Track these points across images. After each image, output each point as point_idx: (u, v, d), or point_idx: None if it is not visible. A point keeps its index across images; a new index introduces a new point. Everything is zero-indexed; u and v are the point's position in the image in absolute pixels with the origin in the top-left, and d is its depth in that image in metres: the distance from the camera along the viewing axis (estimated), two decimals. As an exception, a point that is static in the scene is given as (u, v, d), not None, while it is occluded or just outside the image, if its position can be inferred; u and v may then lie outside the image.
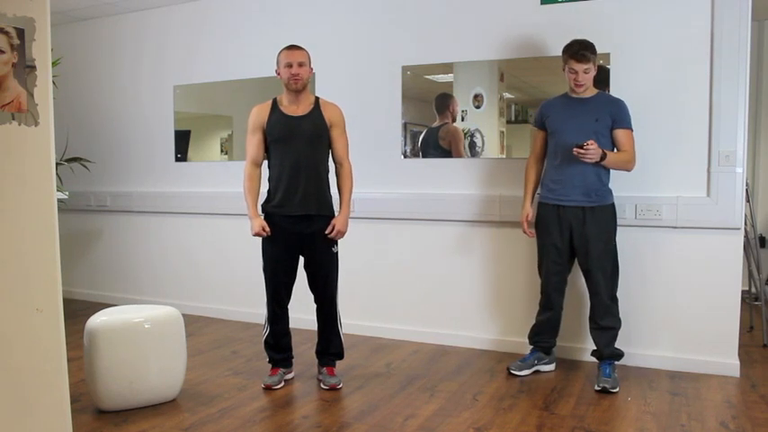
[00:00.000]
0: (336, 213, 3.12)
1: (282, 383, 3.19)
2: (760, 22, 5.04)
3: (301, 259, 3.16)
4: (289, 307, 3.20)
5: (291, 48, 3.04)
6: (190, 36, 4.71)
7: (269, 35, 4.32)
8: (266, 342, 3.21)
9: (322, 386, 3.17)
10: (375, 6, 4.08)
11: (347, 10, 4.15)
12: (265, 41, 4.32)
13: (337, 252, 3.16)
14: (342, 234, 3.09)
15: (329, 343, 3.23)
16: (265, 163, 3.16)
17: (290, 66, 2.99)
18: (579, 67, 3.09)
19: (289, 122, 3.03)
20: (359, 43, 4.12)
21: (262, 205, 3.12)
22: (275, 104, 3.09)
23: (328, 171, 3.13)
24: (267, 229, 3.03)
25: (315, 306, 3.21)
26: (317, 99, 3.11)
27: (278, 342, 3.20)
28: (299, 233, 3.06)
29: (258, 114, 3.08)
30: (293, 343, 3.27)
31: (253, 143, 3.09)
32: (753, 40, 3.48)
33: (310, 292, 3.19)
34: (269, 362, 3.25)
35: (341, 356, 3.28)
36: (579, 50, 3.07)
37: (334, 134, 3.10)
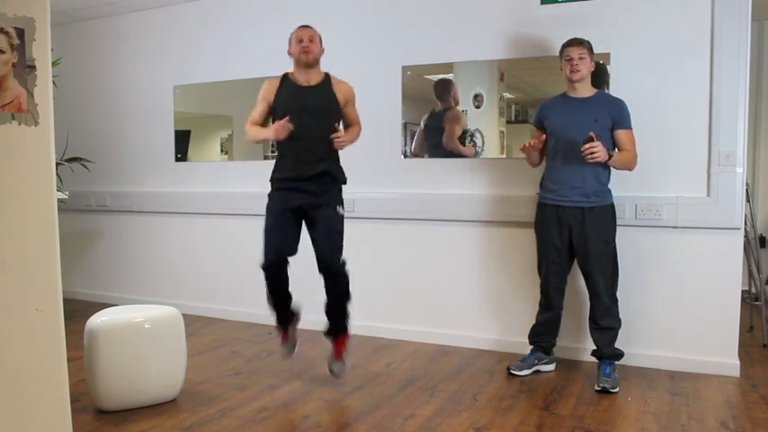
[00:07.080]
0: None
1: (296, 347, 3.28)
2: (760, 22, 5.04)
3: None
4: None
5: (303, 26, 3.13)
6: (190, 36, 4.71)
7: (269, 35, 4.31)
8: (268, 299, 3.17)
9: (328, 369, 3.16)
10: (375, 6, 4.08)
11: (347, 10, 4.16)
12: (265, 41, 4.33)
13: (342, 215, 3.11)
14: (343, 138, 3.04)
15: (334, 310, 3.13)
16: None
17: (300, 41, 3.07)
18: (574, 52, 3.13)
19: (299, 92, 3.08)
20: (359, 43, 4.12)
21: (270, 175, 3.11)
22: (285, 77, 3.14)
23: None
24: (283, 121, 2.96)
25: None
26: (327, 74, 3.15)
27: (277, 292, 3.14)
28: (307, 191, 3.03)
29: (267, 89, 3.15)
30: (294, 343, 3.27)
31: (258, 110, 3.16)
32: (753, 40, 3.47)
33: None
34: (276, 322, 3.24)
35: (344, 322, 3.17)
36: (573, 38, 3.16)
37: (347, 110, 3.19)
